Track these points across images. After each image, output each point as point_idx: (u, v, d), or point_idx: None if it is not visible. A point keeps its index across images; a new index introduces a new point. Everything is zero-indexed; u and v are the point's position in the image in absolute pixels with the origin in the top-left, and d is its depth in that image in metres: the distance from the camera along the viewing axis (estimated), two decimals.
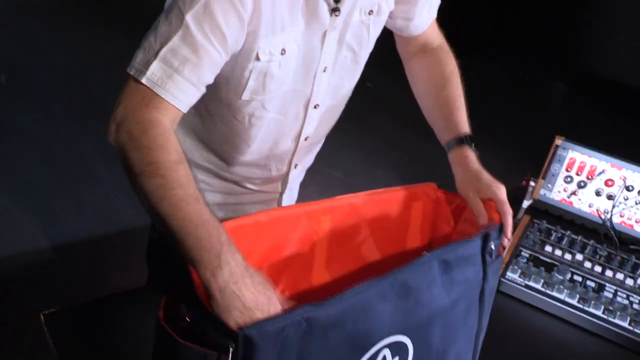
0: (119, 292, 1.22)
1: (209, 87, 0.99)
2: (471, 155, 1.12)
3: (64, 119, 3.12)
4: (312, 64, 1.09)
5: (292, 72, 1.07)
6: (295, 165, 1.29)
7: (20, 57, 3.57)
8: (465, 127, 1.15)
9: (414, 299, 0.91)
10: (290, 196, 1.40)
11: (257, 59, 1.01)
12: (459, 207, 1.11)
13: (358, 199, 1.11)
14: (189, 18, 0.90)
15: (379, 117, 3.47)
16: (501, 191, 1.05)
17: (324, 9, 1.02)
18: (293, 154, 1.25)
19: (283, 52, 1.02)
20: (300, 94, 1.13)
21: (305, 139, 1.23)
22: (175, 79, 0.91)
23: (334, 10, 1.02)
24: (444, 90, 1.20)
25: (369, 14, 1.10)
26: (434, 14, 1.25)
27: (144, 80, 0.90)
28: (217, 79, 0.99)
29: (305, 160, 1.34)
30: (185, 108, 0.94)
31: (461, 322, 1.00)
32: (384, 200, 1.13)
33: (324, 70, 1.11)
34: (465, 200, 1.08)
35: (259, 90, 1.07)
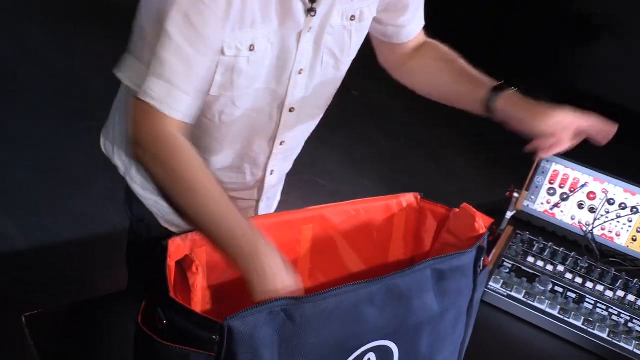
0: (102, 295, 1.22)
1: None
2: (517, 96, 1.14)
3: (53, 123, 3.10)
4: (287, 64, 1.07)
5: (265, 70, 1.06)
6: (272, 172, 1.28)
7: (12, 60, 3.55)
8: (490, 80, 1.17)
9: (405, 306, 0.91)
10: (268, 205, 1.38)
11: (222, 53, 1.00)
12: (442, 217, 1.12)
13: (340, 208, 1.11)
14: (173, 30, 0.91)
15: (365, 125, 3.48)
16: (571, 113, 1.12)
17: (299, 9, 1.01)
18: (268, 159, 1.23)
19: (252, 48, 1.01)
20: (273, 94, 1.11)
21: (281, 144, 1.22)
22: (172, 93, 0.93)
23: (310, 11, 1.01)
24: (458, 62, 1.22)
25: (351, 19, 1.09)
26: (423, 21, 1.26)
27: (145, 99, 0.93)
28: None
29: (282, 167, 1.32)
30: (187, 118, 0.96)
31: (449, 331, 1.01)
32: (367, 210, 1.13)
33: (300, 73, 1.10)
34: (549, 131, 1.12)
35: (227, 85, 1.05)
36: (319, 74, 1.13)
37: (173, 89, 0.93)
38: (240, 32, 0.98)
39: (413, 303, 0.93)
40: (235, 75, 1.04)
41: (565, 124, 1.10)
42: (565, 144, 1.09)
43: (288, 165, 1.35)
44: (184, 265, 0.88)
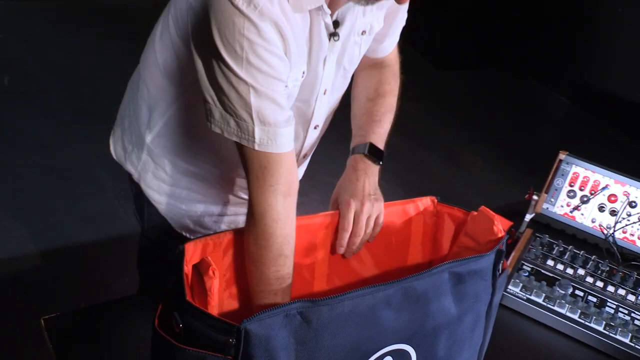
0: (119, 298, 1.22)
1: None
2: (362, 164, 1.14)
3: (67, 124, 3.12)
4: (315, 88, 1.10)
5: (294, 95, 1.08)
6: None
7: (25, 62, 3.58)
8: (374, 138, 1.17)
9: (422, 309, 0.91)
10: None
11: (285, 86, 1.02)
12: (460, 221, 1.11)
13: None
14: (246, 77, 0.91)
15: None
16: (347, 208, 1.08)
17: (325, 35, 1.02)
18: None
19: (304, 74, 1.04)
20: (302, 115, 1.14)
21: (304, 156, 1.26)
22: (278, 133, 0.95)
23: (333, 35, 1.03)
24: (371, 103, 1.23)
25: (362, 34, 1.11)
26: (398, 38, 1.27)
27: (257, 148, 0.94)
28: None
29: (300, 172, 1.36)
30: (292, 146, 0.98)
31: (468, 335, 1.00)
32: (384, 214, 1.12)
33: (324, 93, 1.13)
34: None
35: None
36: (336, 89, 1.17)
37: (278, 130, 0.95)
38: (296, 68, 1.01)
39: (431, 306, 0.92)
40: (287, 100, 1.06)
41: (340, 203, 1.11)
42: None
43: (304, 169, 1.39)
44: (200, 269, 0.87)
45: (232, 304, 0.99)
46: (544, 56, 4.27)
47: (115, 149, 1.28)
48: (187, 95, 1.09)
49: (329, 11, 0.99)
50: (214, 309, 0.86)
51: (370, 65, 1.27)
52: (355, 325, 0.84)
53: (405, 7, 1.16)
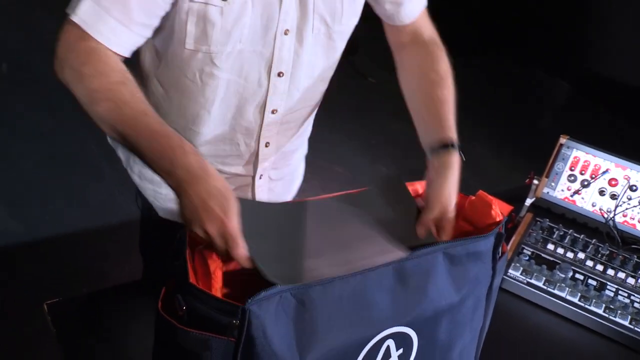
0: (122, 283, 1.22)
1: (159, 49, 1.05)
2: (456, 164, 1.06)
3: (66, 112, 3.10)
4: (271, 24, 1.03)
5: (246, 29, 1.02)
6: (267, 144, 1.21)
7: (23, 50, 3.57)
8: (454, 133, 1.09)
9: (419, 291, 0.91)
10: (269, 188, 1.31)
11: None
12: (457, 206, 1.11)
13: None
14: None
15: (381, 112, 3.46)
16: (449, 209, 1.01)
17: None
18: (261, 128, 1.18)
19: None
20: (259, 57, 1.07)
21: (273, 112, 1.16)
22: (105, 19, 0.93)
23: None
24: (437, 89, 1.13)
25: None
26: (424, 2, 1.20)
27: (76, 20, 0.93)
28: (163, 31, 1.01)
29: (279, 140, 1.24)
30: (121, 50, 0.95)
31: (468, 318, 1.00)
32: None
33: (285, 33, 1.05)
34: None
35: (202, 39, 1.02)
36: (309, 40, 1.09)
37: (107, 16, 0.93)
38: None
39: (428, 289, 0.92)
40: (209, 27, 1.00)
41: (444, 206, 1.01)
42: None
43: (286, 140, 1.26)
44: (204, 252, 0.88)
45: (238, 289, 0.99)
46: (544, 42, 4.25)
47: None
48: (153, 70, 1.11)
49: None
50: (217, 292, 0.87)
51: (408, 40, 1.20)
52: (351, 307, 0.84)
53: None
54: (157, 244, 1.34)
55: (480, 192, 1.06)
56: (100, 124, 0.94)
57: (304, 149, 1.40)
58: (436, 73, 1.14)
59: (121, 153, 1.24)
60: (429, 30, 1.21)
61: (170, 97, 1.13)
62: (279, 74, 1.10)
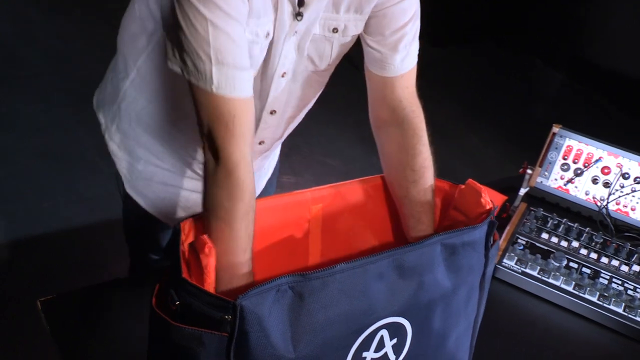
0: (116, 279, 1.22)
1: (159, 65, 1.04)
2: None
3: (61, 107, 3.11)
4: (271, 67, 1.06)
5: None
6: None
7: (17, 46, 3.55)
8: (430, 230, 1.08)
9: (415, 282, 0.91)
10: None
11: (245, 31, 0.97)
12: (445, 193, 1.11)
13: (349, 187, 1.11)
14: (205, 12, 0.87)
15: None
16: None
17: (287, 12, 0.99)
18: None
19: (268, 35, 1.00)
20: (256, 96, 1.09)
21: (260, 143, 1.21)
22: (236, 75, 0.91)
23: (297, 15, 1.00)
24: (413, 189, 1.09)
25: (333, 31, 1.06)
26: (411, 60, 1.11)
27: (214, 90, 0.90)
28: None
29: (261, 162, 1.30)
30: (252, 92, 0.94)
31: (462, 307, 1.00)
32: (375, 188, 1.13)
33: (282, 76, 1.08)
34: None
35: None
36: (300, 78, 1.12)
37: (236, 72, 0.91)
38: (258, 20, 0.97)
39: (424, 279, 0.92)
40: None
41: None
42: None
43: (268, 162, 1.34)
44: (196, 246, 0.88)
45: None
46: (538, 31, 4.25)
47: (97, 99, 1.27)
48: (154, 42, 1.08)
49: None
50: (210, 286, 0.86)
51: (388, 117, 1.12)
52: (348, 299, 0.84)
53: (411, 21, 1.07)
54: (139, 228, 1.34)
55: (470, 180, 1.06)
56: (204, 215, 0.92)
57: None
58: (412, 170, 1.09)
59: (102, 117, 1.22)
60: (410, 96, 1.13)
61: (179, 98, 1.11)
62: (272, 112, 1.14)
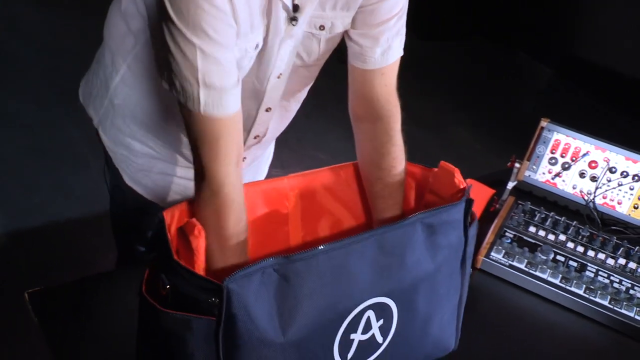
0: (104, 272, 1.22)
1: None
2: None
3: (49, 102, 3.08)
4: (268, 68, 1.07)
5: (246, 71, 1.05)
6: (243, 158, 1.25)
7: (5, 40, 3.51)
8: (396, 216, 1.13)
9: (398, 261, 0.92)
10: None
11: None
12: (418, 177, 1.13)
13: (325, 174, 1.12)
14: (197, 43, 0.88)
15: None
16: None
17: (282, 15, 1.00)
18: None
19: (257, 46, 1.01)
20: (255, 95, 1.11)
21: (255, 137, 1.22)
22: (223, 97, 0.92)
23: (292, 20, 1.01)
24: (378, 185, 1.13)
25: (320, 28, 1.07)
26: (393, 53, 1.10)
27: (202, 111, 0.91)
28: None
29: (255, 152, 1.31)
30: (238, 106, 0.95)
31: (445, 286, 1.02)
32: (351, 174, 1.14)
33: (278, 77, 1.10)
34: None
35: None
36: (292, 73, 1.13)
37: (224, 94, 0.92)
38: (245, 38, 0.98)
39: (407, 259, 0.93)
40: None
41: None
42: None
43: (262, 152, 1.36)
44: (186, 229, 0.88)
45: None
46: (527, 26, 4.26)
47: (83, 92, 1.27)
48: (142, 42, 1.08)
49: None
50: (199, 268, 0.87)
51: (364, 114, 1.13)
52: (333, 279, 0.85)
53: (396, 16, 1.06)
54: (126, 223, 1.34)
55: (442, 162, 1.08)
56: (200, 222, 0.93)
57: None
58: (379, 168, 1.12)
59: (93, 112, 1.22)
60: (388, 94, 1.12)
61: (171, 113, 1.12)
62: (267, 110, 1.15)
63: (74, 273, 2.11)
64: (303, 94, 1.25)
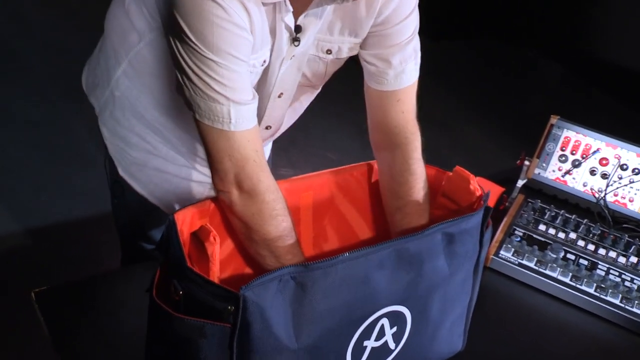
0: (110, 271, 1.22)
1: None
2: None
3: (55, 100, 3.09)
4: (266, 89, 1.07)
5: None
6: None
7: (12, 39, 3.53)
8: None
9: (416, 271, 0.91)
10: None
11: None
12: (432, 178, 1.12)
13: (338, 174, 1.11)
14: (223, 62, 0.89)
15: None
16: None
17: (285, 36, 1.00)
18: None
19: (264, 62, 1.02)
20: None
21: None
22: (249, 109, 0.93)
23: (294, 40, 1.01)
24: (398, 215, 1.10)
25: (327, 52, 1.07)
26: (410, 75, 1.09)
27: (233, 129, 0.91)
28: None
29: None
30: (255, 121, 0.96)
31: (458, 292, 1.01)
32: (364, 175, 1.13)
33: (279, 96, 1.10)
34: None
35: None
36: (296, 95, 1.15)
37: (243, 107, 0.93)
38: (256, 54, 0.99)
39: (424, 267, 0.92)
40: None
41: None
42: None
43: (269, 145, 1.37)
44: (200, 235, 0.87)
45: (234, 273, 0.99)
46: (536, 23, 4.24)
47: (86, 80, 1.27)
48: (146, 40, 1.08)
49: (290, 9, 0.96)
50: (214, 275, 0.86)
51: (382, 141, 1.12)
52: (350, 289, 0.84)
53: (408, 39, 1.07)
54: (128, 219, 1.34)
55: (457, 167, 1.07)
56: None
57: None
58: (397, 197, 1.09)
59: (94, 100, 1.22)
60: (406, 122, 1.11)
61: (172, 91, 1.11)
62: (267, 127, 1.16)
63: (80, 272, 2.13)
64: (304, 109, 1.26)
